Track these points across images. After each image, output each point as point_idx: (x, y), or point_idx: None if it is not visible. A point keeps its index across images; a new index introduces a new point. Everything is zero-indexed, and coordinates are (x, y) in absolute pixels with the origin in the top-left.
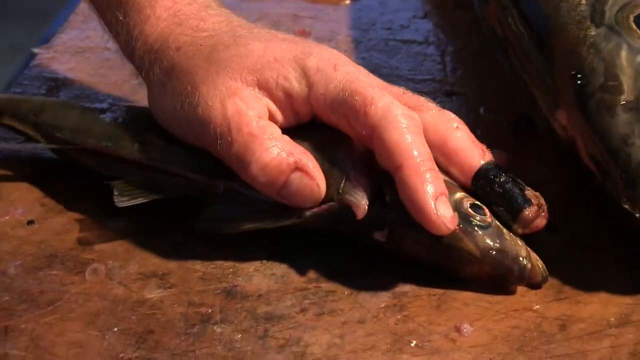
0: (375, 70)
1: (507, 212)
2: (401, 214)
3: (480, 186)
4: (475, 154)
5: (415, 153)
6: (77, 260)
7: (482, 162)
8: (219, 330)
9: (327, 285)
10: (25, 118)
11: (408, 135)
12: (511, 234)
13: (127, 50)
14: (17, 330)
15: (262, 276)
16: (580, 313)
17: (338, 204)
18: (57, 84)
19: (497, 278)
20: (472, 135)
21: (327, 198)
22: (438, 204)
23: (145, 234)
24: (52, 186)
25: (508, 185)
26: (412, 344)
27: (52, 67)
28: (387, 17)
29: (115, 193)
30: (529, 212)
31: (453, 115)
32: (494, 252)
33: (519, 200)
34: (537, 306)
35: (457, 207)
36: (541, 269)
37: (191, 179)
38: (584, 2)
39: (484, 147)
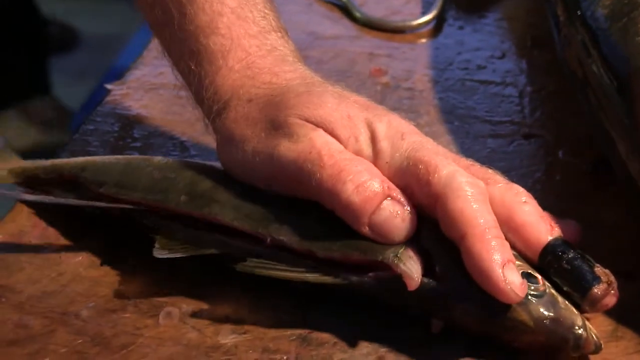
0: (452, 111)
1: (576, 291)
2: (451, 286)
3: (547, 263)
4: (543, 229)
5: (481, 221)
6: (151, 303)
7: (550, 238)
8: None
9: (403, 333)
10: (67, 181)
11: (473, 203)
12: (566, 302)
13: (198, 99)
14: None
15: (337, 322)
16: None
17: (387, 273)
18: (129, 121)
19: (551, 348)
20: (540, 210)
21: (382, 260)
22: (506, 272)
23: (221, 279)
24: (122, 228)
25: (577, 262)
26: None
27: (126, 104)
28: (464, 57)
29: (156, 246)
30: (598, 289)
31: (521, 189)
32: (548, 322)
33: (588, 278)
34: (619, 358)
35: None
36: (594, 337)
37: (237, 233)
38: None
39: (552, 221)
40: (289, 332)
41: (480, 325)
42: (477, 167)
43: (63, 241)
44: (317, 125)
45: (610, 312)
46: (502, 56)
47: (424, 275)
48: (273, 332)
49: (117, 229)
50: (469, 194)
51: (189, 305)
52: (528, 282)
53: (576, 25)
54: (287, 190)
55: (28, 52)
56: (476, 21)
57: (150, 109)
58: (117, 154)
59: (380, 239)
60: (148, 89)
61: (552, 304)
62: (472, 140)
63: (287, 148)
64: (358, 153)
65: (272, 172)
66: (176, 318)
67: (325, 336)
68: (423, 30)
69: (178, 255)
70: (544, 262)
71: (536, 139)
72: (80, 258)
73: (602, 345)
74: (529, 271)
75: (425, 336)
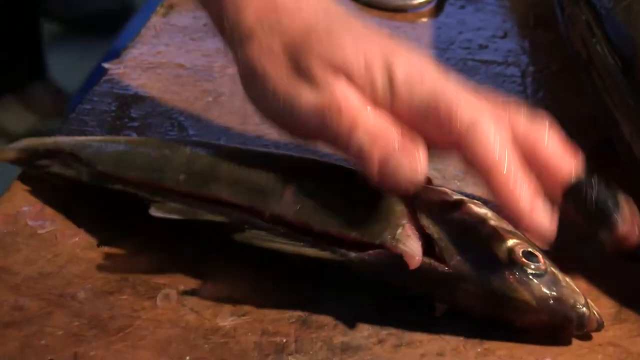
0: None
1: (602, 227)
2: (452, 266)
3: (573, 199)
4: (566, 165)
5: (504, 167)
6: (149, 285)
7: (573, 175)
8: None
9: (405, 316)
10: (65, 157)
11: (496, 150)
12: (567, 279)
13: (219, 27)
14: (87, 357)
15: (338, 305)
16: None
17: (389, 252)
18: (127, 100)
19: (554, 327)
20: (562, 143)
21: (380, 243)
22: (534, 216)
23: (218, 259)
24: (120, 208)
25: (601, 199)
26: None
27: (123, 83)
28: (466, 36)
29: (153, 208)
30: (622, 227)
31: (544, 123)
32: (551, 301)
33: (612, 215)
34: (622, 341)
35: (510, 255)
36: (597, 315)
37: (236, 206)
38: None
39: (575, 153)
40: (288, 314)
41: (482, 306)
42: (498, 105)
43: (60, 222)
44: (338, 69)
45: (614, 295)
46: (504, 36)
47: (424, 255)
48: (272, 315)
49: (115, 210)
50: (492, 140)
51: (187, 287)
52: (529, 261)
53: (580, 5)
54: (303, 135)
55: (26, 37)
56: (478, 0)
57: (148, 88)
58: (114, 134)
59: (389, 189)
60: (146, 68)
61: (554, 283)
62: None
63: (307, 97)
64: (375, 100)
65: (291, 116)
66: (174, 300)
67: (325, 318)
68: (424, 9)
69: (174, 216)
70: (568, 198)
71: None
72: (77, 239)
73: (604, 323)
74: (529, 249)
75: (427, 319)
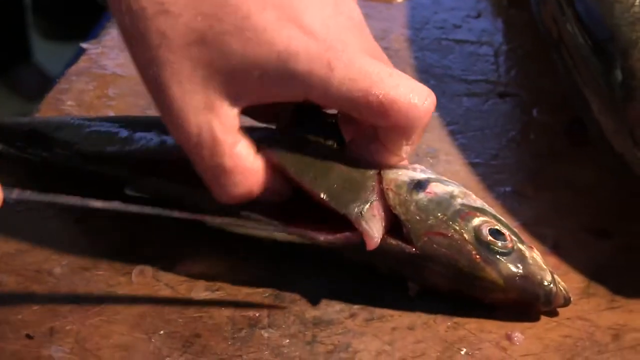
0: (427, 70)
1: None
2: (418, 247)
3: None
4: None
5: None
6: (124, 261)
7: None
8: (266, 334)
9: (376, 291)
10: (40, 138)
11: (412, 99)
12: (534, 256)
13: None
14: (63, 331)
15: (310, 281)
16: (634, 322)
17: (355, 236)
18: (105, 80)
19: (523, 304)
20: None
21: (346, 214)
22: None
23: (195, 237)
24: (97, 186)
25: None
26: (463, 352)
27: (101, 63)
28: (440, 16)
29: (128, 187)
30: None
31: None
32: (518, 279)
33: None
34: (590, 315)
35: (476, 234)
36: (563, 291)
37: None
38: (637, 4)
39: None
40: (262, 289)
41: (450, 285)
42: None
43: (35, 200)
44: (224, 85)
45: (583, 269)
46: (478, 15)
47: (392, 236)
48: (246, 290)
49: (92, 188)
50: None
51: (162, 263)
52: (495, 239)
53: None
54: None
55: (10, 19)
56: None
57: (125, 67)
58: (92, 113)
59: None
60: (124, 47)
61: (521, 260)
62: (448, 99)
63: (178, 119)
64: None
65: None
66: (149, 276)
67: (297, 294)
68: None
69: (147, 195)
70: None
71: (511, 97)
72: (54, 216)
73: (571, 299)
74: (497, 227)
75: (399, 295)
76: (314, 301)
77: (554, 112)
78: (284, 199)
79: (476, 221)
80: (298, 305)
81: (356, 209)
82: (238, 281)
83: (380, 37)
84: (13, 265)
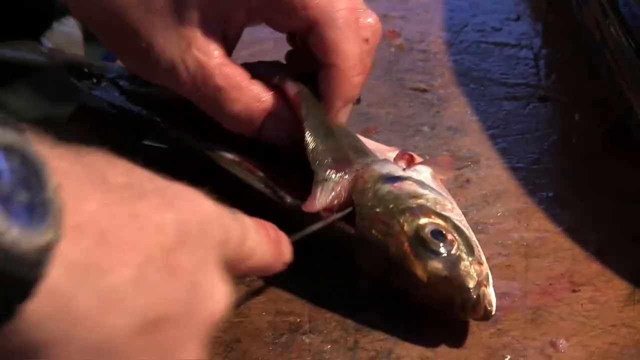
0: (467, 73)
1: None
2: (359, 228)
3: None
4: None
5: (351, 56)
6: None
7: None
8: (307, 340)
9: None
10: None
11: (349, 37)
12: (471, 266)
13: None
14: None
15: (351, 285)
16: None
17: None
18: None
19: (443, 307)
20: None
21: (313, 170)
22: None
23: None
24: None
25: None
26: (507, 359)
27: None
28: (479, 19)
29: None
30: None
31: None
32: (440, 279)
33: None
34: (636, 322)
35: (417, 229)
36: (486, 304)
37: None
38: None
39: None
40: (302, 294)
41: (384, 275)
42: None
43: None
44: (195, 11)
45: (627, 276)
46: (517, 18)
47: (342, 217)
48: (287, 295)
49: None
50: (346, 25)
51: None
52: (434, 238)
53: None
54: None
55: (36, 21)
56: None
57: None
58: None
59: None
60: None
61: (452, 264)
62: (488, 103)
63: (168, 67)
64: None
65: (162, 81)
66: None
67: (338, 299)
68: None
69: (164, 145)
70: None
71: (552, 101)
72: None
73: (493, 313)
74: (441, 230)
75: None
76: (356, 307)
77: (595, 116)
78: (282, 143)
79: (423, 220)
80: (339, 310)
81: (323, 175)
82: (278, 286)
83: (419, 40)
84: None
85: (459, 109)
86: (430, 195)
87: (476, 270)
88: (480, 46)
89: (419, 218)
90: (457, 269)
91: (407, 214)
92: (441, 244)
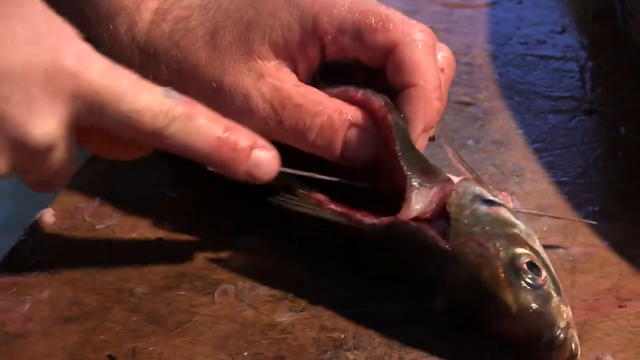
0: (512, 86)
1: None
2: (453, 246)
3: None
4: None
5: (434, 77)
6: (206, 280)
7: None
8: (352, 356)
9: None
10: None
11: (430, 56)
12: (561, 305)
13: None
14: (146, 352)
15: (395, 301)
16: None
17: (396, 218)
18: None
19: (526, 342)
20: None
21: (407, 175)
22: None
23: (275, 254)
24: (179, 202)
25: None
26: None
27: None
28: (524, 32)
29: None
30: None
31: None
32: (530, 312)
33: None
34: None
35: (512, 257)
36: (572, 347)
37: None
38: None
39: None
40: (346, 310)
41: (468, 297)
42: None
43: (117, 217)
44: (260, 46)
45: None
46: (563, 31)
47: (434, 229)
48: (330, 311)
49: (174, 203)
50: (426, 47)
51: (245, 282)
52: (529, 270)
53: None
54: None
55: None
56: None
57: None
58: None
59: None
60: None
61: (543, 299)
62: (533, 116)
63: (243, 104)
64: (297, 38)
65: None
66: (232, 296)
67: (382, 315)
68: (482, 4)
69: None
70: None
71: (598, 115)
72: (134, 235)
73: (577, 357)
74: (535, 263)
75: None
76: (400, 323)
77: None
78: (363, 160)
79: (520, 250)
80: (384, 326)
81: (417, 180)
82: (322, 302)
83: (463, 53)
84: (93, 284)
85: (504, 123)
86: (522, 226)
87: (565, 311)
88: (525, 59)
89: (515, 247)
90: (548, 306)
91: (504, 240)
92: (535, 277)
